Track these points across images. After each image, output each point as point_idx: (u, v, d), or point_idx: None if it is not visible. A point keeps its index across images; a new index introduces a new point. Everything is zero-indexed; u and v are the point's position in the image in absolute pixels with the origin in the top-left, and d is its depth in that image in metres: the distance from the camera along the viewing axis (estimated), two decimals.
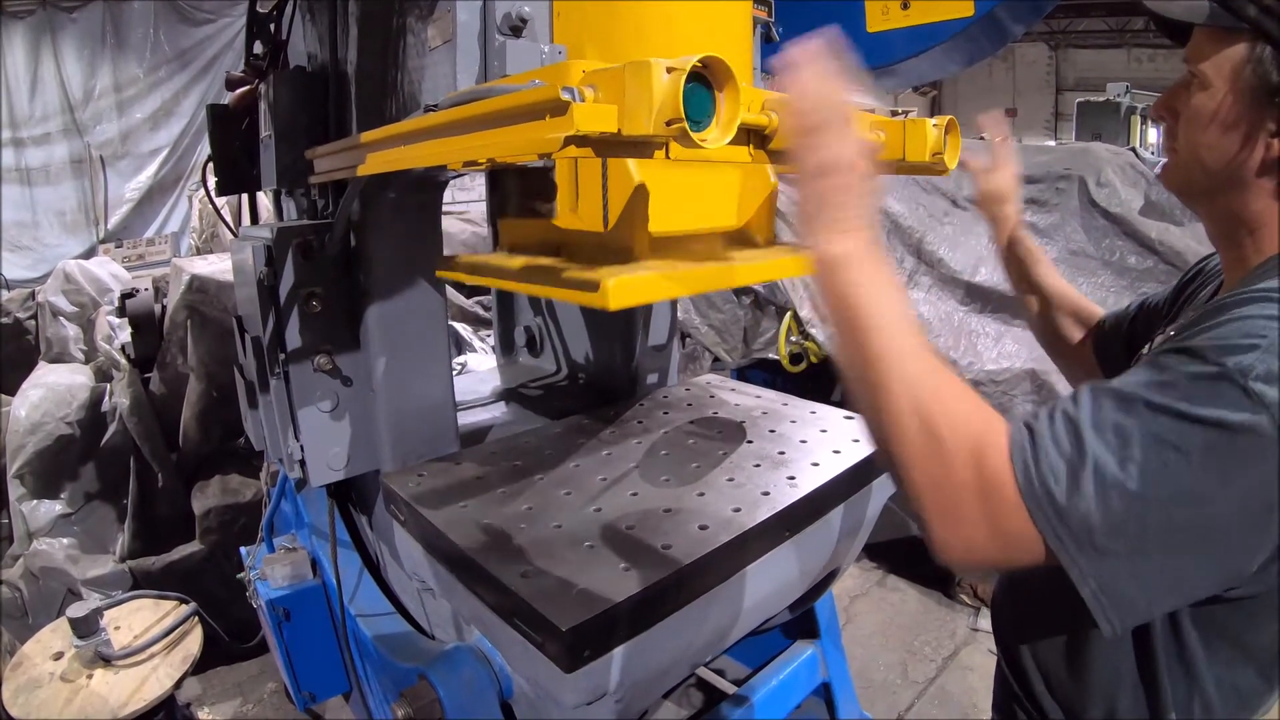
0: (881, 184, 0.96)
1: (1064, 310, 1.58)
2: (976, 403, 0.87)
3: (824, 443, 1.72)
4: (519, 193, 1.28)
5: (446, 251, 1.70)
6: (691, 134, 0.80)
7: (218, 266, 3.53)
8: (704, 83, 0.85)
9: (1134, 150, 4.03)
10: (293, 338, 1.70)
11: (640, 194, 1.17)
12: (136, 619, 2.55)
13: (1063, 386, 3.58)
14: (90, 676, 2.31)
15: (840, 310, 0.90)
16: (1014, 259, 1.64)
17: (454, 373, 1.88)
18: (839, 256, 0.90)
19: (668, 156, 0.91)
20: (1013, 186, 1.60)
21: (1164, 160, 1.13)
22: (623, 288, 0.97)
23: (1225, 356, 0.80)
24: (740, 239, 1.39)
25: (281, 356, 1.71)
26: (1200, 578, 0.84)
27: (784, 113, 0.95)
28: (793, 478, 1.55)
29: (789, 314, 4.43)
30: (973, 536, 0.84)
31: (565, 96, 0.79)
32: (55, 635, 2.47)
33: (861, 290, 0.88)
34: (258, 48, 2.07)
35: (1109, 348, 1.47)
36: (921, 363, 0.86)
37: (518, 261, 1.23)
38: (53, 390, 3.65)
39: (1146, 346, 1.22)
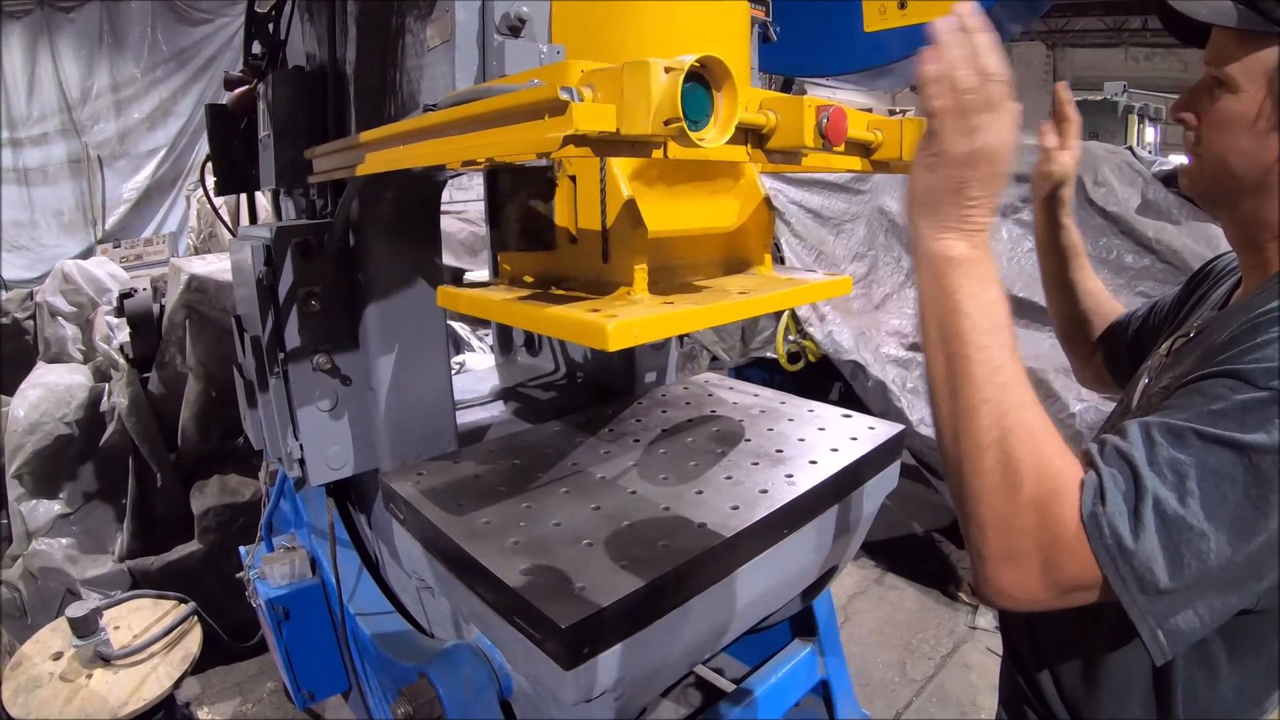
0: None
1: (1095, 310, 1.55)
2: (1059, 444, 0.86)
3: (822, 441, 1.73)
4: (518, 226, 1.29)
5: (445, 251, 1.70)
6: (689, 133, 0.81)
7: (216, 266, 3.54)
8: (702, 82, 0.85)
9: (1131, 149, 4.05)
10: (292, 337, 1.70)
11: (639, 228, 1.17)
12: (136, 619, 2.55)
13: (1061, 386, 3.59)
14: (90, 676, 2.31)
15: (942, 314, 0.88)
16: (1055, 249, 1.56)
17: (453, 372, 1.89)
18: (955, 258, 0.87)
19: (666, 156, 0.91)
20: (1073, 169, 1.51)
21: (1184, 162, 1.11)
22: (623, 330, 0.97)
23: (1275, 380, 0.81)
24: (737, 264, 1.40)
25: (281, 356, 1.71)
26: (1248, 599, 0.85)
27: (937, 87, 0.87)
28: (791, 476, 1.55)
29: (786, 313, 4.44)
30: (1028, 581, 0.84)
31: (564, 96, 0.79)
32: (54, 635, 2.47)
33: (971, 299, 0.87)
34: (256, 47, 2.07)
35: (1118, 355, 1.47)
36: (1014, 392, 0.85)
37: (519, 297, 1.23)
38: (51, 390, 3.65)
39: (1166, 347, 1.21)
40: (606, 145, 0.85)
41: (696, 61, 0.81)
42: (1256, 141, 0.96)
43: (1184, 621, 0.82)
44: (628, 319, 0.99)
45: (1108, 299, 1.57)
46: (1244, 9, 0.94)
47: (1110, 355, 1.48)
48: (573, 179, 1.26)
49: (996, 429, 0.84)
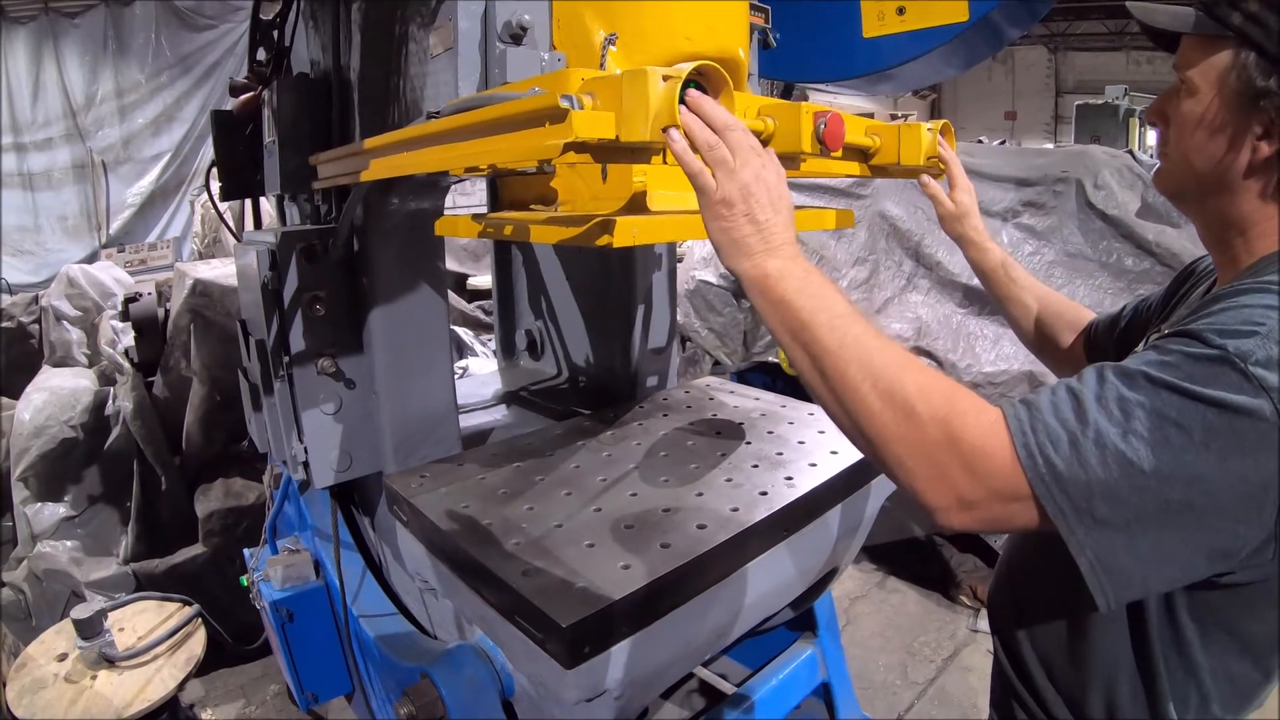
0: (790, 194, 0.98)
1: (1048, 314, 1.60)
2: (933, 373, 0.90)
3: (821, 444, 1.74)
4: None
5: (448, 256, 1.71)
6: None
7: (220, 271, 3.55)
8: (700, 90, 0.87)
9: (1131, 153, 4.05)
10: (296, 341, 1.72)
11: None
12: (140, 621, 2.56)
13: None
14: (94, 678, 2.32)
15: (786, 319, 0.93)
16: (987, 271, 1.66)
17: (456, 376, 1.90)
18: (773, 272, 0.93)
19: (665, 162, 0.93)
20: (969, 204, 1.62)
21: (1157, 164, 1.15)
22: (624, 227, 0.99)
23: (1225, 340, 0.82)
24: None
25: (285, 359, 1.73)
26: (1194, 556, 0.85)
27: (688, 156, 0.94)
28: (790, 478, 1.56)
29: None
30: (965, 493, 0.86)
31: (564, 104, 0.80)
32: (59, 637, 2.48)
33: (802, 295, 0.92)
34: (261, 54, 2.09)
35: (1102, 349, 1.48)
36: (867, 342, 0.90)
37: (518, 214, 1.24)
38: (56, 394, 3.67)
39: (1141, 345, 1.23)
40: (606, 152, 0.86)
41: (694, 70, 0.83)
42: (1211, 140, 1.00)
43: (1124, 557, 0.83)
44: (628, 219, 1.01)
45: (1056, 297, 1.63)
46: (1201, 15, 0.98)
47: (1099, 356, 1.49)
48: None
49: (867, 377, 0.88)
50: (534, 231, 1.15)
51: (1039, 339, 1.62)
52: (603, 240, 1.00)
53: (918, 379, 0.88)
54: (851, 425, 0.92)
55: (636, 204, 1.23)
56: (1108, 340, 1.47)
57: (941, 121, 1.46)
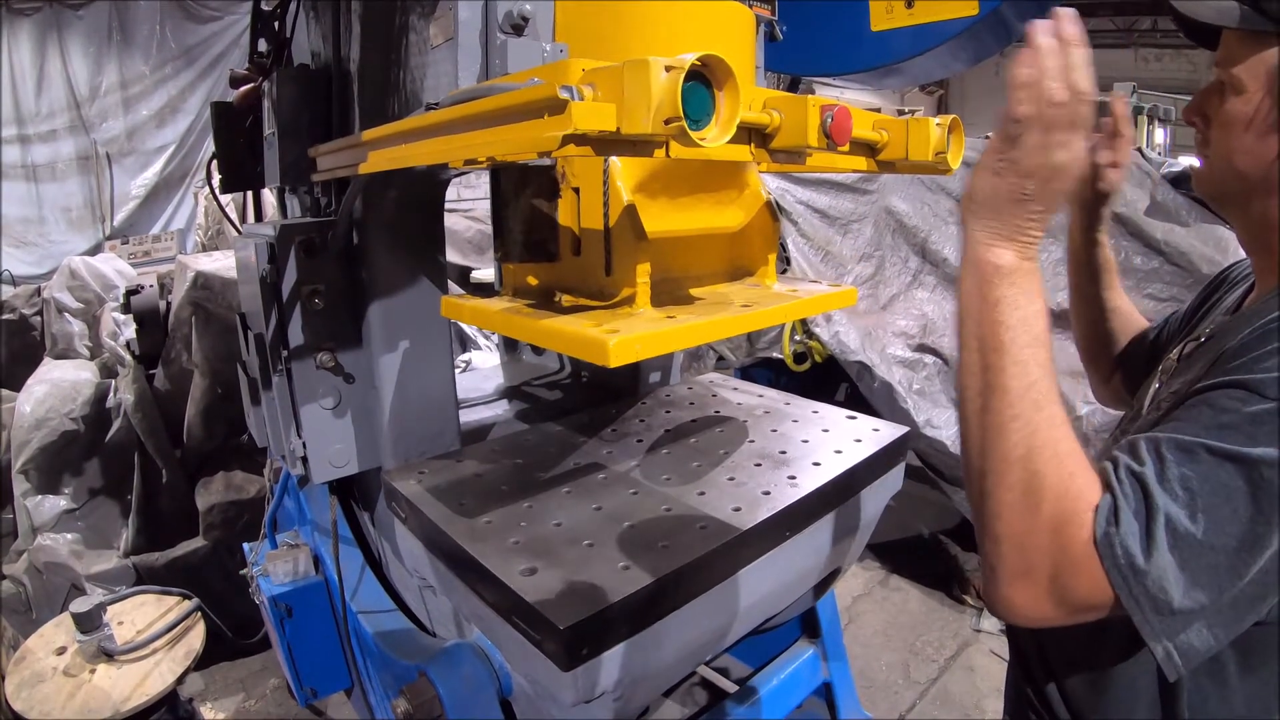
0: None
1: (1122, 330, 1.53)
2: (1083, 464, 0.86)
3: (826, 442, 1.72)
4: (522, 238, 1.28)
5: (452, 249, 1.69)
6: (690, 133, 0.80)
7: (222, 263, 3.54)
8: (704, 81, 0.85)
9: (1140, 150, 4.03)
10: (295, 335, 1.70)
11: (640, 239, 1.16)
12: (140, 614, 2.56)
13: (1068, 389, 3.57)
14: (93, 671, 2.32)
15: (983, 323, 0.88)
16: (1088, 265, 1.54)
17: (458, 370, 1.88)
18: (1004, 267, 0.88)
19: (668, 155, 0.91)
20: (1120, 187, 1.46)
21: (1196, 164, 1.11)
22: (624, 346, 0.97)
23: None
24: (740, 272, 1.39)
25: (284, 353, 1.71)
26: (1261, 612, 0.84)
27: (1026, 93, 0.87)
28: (794, 477, 1.54)
29: None
30: (1038, 599, 0.85)
31: (564, 95, 0.78)
32: (58, 630, 2.48)
33: (1014, 311, 0.87)
34: (262, 45, 2.07)
35: (1134, 365, 1.46)
36: (1047, 411, 0.85)
37: (522, 310, 1.23)
38: (58, 386, 3.67)
39: (1177, 352, 1.20)
40: (607, 144, 0.84)
41: (697, 60, 0.81)
42: (1259, 141, 0.96)
43: (1198, 639, 0.82)
44: (629, 335, 0.99)
45: (1137, 318, 1.55)
46: (1247, 9, 0.94)
47: (1129, 372, 1.46)
48: (576, 191, 1.26)
49: (1024, 446, 0.84)
50: (534, 331, 1.14)
51: (1098, 351, 1.56)
52: (600, 360, 0.98)
53: (1060, 472, 0.84)
54: (980, 469, 0.89)
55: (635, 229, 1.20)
56: (1139, 360, 1.43)
57: (951, 117, 1.43)
